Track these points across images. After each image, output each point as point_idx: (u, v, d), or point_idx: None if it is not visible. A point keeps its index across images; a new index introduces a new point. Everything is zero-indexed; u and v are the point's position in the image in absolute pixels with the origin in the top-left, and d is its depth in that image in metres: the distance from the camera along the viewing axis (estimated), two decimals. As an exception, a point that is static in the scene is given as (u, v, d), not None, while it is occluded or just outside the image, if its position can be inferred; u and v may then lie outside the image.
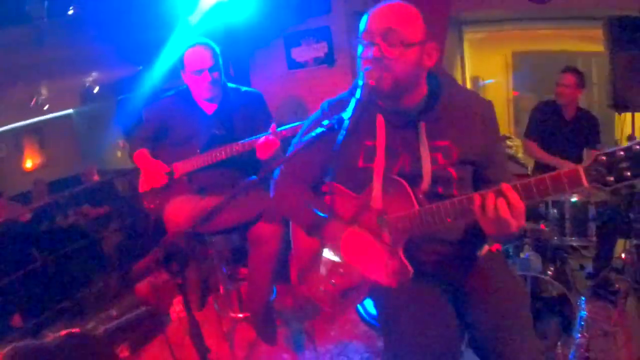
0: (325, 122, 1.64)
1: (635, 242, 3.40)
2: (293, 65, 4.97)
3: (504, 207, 1.50)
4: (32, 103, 8.05)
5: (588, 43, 6.46)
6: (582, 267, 3.97)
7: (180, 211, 2.84)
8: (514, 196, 1.49)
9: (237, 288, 3.46)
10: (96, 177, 6.89)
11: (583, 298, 3.00)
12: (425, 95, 1.84)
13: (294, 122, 2.85)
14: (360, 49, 1.76)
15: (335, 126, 1.63)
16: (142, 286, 3.97)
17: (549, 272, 3.09)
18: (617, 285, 3.44)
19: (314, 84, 4.90)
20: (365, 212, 1.84)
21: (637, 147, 1.29)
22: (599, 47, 4.02)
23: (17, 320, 4.58)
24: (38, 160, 9.32)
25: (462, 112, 1.83)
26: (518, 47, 7.06)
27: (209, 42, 2.99)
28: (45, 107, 8.41)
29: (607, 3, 4.36)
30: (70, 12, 4.95)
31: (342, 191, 1.95)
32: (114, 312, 3.84)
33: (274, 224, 2.81)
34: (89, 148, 9.54)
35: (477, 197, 1.55)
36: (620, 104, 3.77)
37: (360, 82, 1.68)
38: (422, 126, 1.79)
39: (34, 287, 4.83)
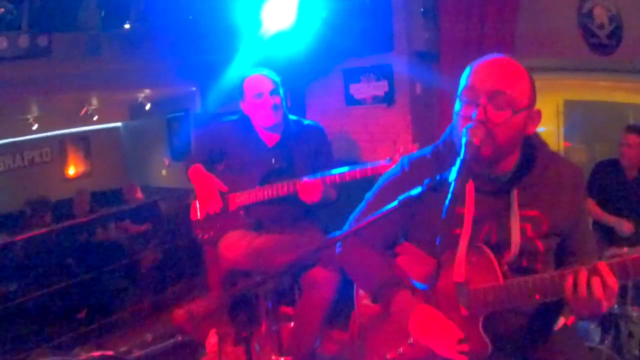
0: (426, 181, 1.50)
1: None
2: (351, 101, 4.88)
3: (598, 287, 1.40)
4: (82, 112, 8.13)
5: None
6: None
7: (235, 247, 2.75)
8: (609, 276, 1.39)
9: (279, 329, 3.34)
10: (140, 195, 6.87)
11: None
12: (518, 161, 1.70)
13: (345, 160, 2.77)
14: (458, 105, 1.62)
15: (437, 187, 1.49)
16: (180, 313, 3.88)
17: (606, 342, 2.99)
18: None
19: (370, 123, 4.80)
20: (444, 278, 1.71)
21: None
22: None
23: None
24: (81, 169, 9.41)
25: (553, 179, 1.70)
26: (571, 95, 6.88)
27: (268, 71, 2.93)
28: (95, 118, 8.51)
29: None
30: (127, 26, 5.00)
31: (420, 254, 1.81)
32: (149, 337, 3.75)
33: (331, 270, 2.70)
34: (134, 163, 9.62)
35: (570, 276, 1.45)
36: None
37: (464, 140, 1.52)
38: (515, 194, 1.66)
39: (69, 300, 4.80)
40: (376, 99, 4.74)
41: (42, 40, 4.21)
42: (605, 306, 1.41)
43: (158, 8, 5.01)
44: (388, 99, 4.66)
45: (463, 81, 1.63)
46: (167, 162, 8.78)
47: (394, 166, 1.93)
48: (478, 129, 1.52)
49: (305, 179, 2.67)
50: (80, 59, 5.11)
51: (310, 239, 2.71)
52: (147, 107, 8.10)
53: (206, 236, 2.93)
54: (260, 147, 2.97)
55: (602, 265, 1.40)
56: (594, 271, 1.41)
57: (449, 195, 1.45)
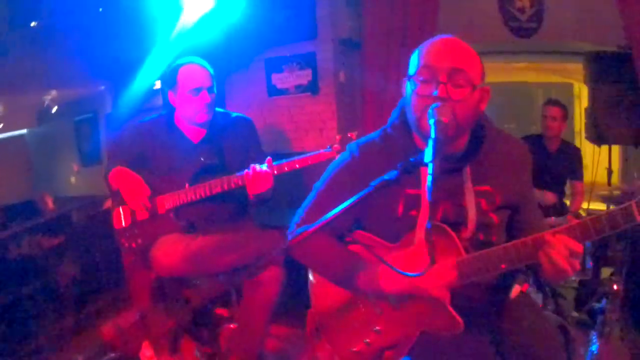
0: (400, 165, 1.49)
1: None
2: (273, 91, 4.72)
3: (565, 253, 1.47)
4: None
5: (567, 76, 6.59)
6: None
7: (171, 253, 2.54)
8: (572, 241, 1.47)
9: (218, 332, 3.15)
10: (52, 206, 6.36)
11: (595, 333, 2.98)
12: (469, 138, 1.72)
13: (272, 153, 2.65)
14: (412, 85, 1.62)
15: (411, 169, 1.48)
16: (107, 329, 3.62)
17: (548, 307, 3.13)
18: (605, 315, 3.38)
19: (295, 113, 4.67)
20: (405, 261, 1.64)
21: None
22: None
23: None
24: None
25: (501, 155, 1.76)
26: (495, 79, 7.07)
27: (204, 62, 2.74)
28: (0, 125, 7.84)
29: (586, 38, 4.39)
30: (33, 24, 4.64)
31: (375, 241, 1.77)
32: (79, 358, 3.45)
33: (276, 267, 2.55)
34: (42, 172, 8.97)
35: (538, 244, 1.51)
36: (600, 137, 3.88)
37: (432, 120, 1.48)
38: (467, 171, 1.70)
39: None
40: (300, 88, 4.61)
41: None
42: (573, 268, 1.48)
43: (67, 3, 4.66)
44: (312, 87, 4.54)
45: (415, 61, 1.64)
46: (76, 168, 8.25)
47: (341, 154, 1.89)
48: (444, 107, 1.52)
49: (255, 167, 2.49)
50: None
51: (252, 238, 2.56)
52: (54, 109, 7.54)
53: (134, 244, 2.69)
54: (185, 145, 2.78)
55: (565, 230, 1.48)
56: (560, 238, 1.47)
57: (429, 177, 1.38)
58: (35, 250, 5.37)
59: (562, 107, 4.33)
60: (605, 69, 3.84)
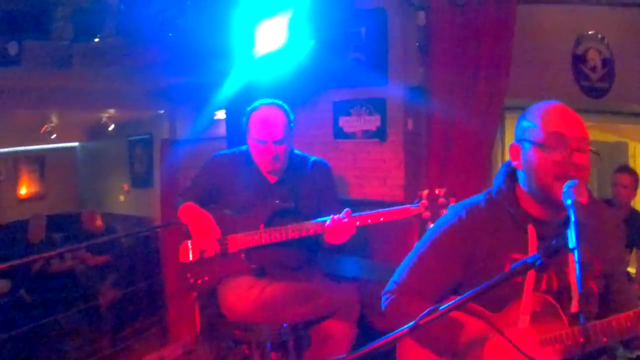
0: (544, 247, 1.38)
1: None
2: (340, 134, 4.61)
3: None
4: (43, 130, 7.53)
5: (621, 135, 6.44)
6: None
7: (244, 298, 2.42)
8: None
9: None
10: (100, 223, 6.32)
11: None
12: None
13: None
14: (538, 151, 1.62)
15: (554, 254, 1.37)
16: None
17: None
18: None
19: (360, 158, 4.54)
20: (507, 329, 1.59)
21: None
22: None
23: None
24: (35, 189, 8.75)
25: (598, 222, 1.73)
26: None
27: (282, 105, 2.65)
28: (53, 136, 7.92)
29: None
30: (97, 40, 4.66)
31: (474, 309, 1.68)
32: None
33: (349, 323, 2.42)
34: (91, 186, 9.04)
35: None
36: None
37: (568, 202, 1.44)
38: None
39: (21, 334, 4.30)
40: (367, 134, 4.50)
41: (12, 48, 3.80)
42: None
43: (135, 21, 4.67)
44: (380, 134, 4.43)
45: (535, 126, 1.64)
46: (126, 187, 8.28)
47: (445, 215, 1.86)
48: (581, 187, 1.49)
49: (335, 217, 2.39)
50: (46, 71, 4.68)
51: (328, 291, 2.44)
52: (111, 128, 7.60)
53: (199, 281, 2.57)
54: (262, 183, 2.69)
55: None
56: None
57: (577, 266, 1.27)
58: (79, 267, 5.33)
59: (634, 175, 4.24)
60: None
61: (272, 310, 2.40)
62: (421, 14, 4.28)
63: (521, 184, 1.72)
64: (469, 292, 1.38)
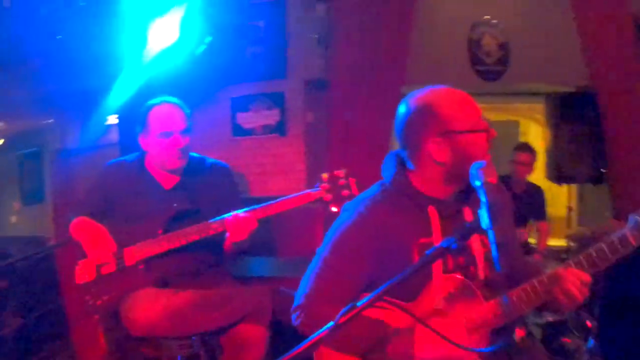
0: (457, 231, 1.39)
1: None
2: (239, 131, 4.51)
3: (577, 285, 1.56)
4: None
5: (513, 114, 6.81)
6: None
7: (150, 310, 2.27)
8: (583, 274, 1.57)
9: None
10: (-7, 247, 5.82)
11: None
12: None
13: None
14: (471, 136, 1.64)
15: (467, 236, 1.43)
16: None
17: None
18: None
19: (260, 154, 4.46)
20: (430, 319, 1.60)
21: None
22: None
23: None
24: None
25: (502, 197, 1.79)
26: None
27: (179, 102, 2.55)
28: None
29: (548, 80, 4.52)
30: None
31: (389, 302, 1.59)
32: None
33: (261, 327, 2.34)
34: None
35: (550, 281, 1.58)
36: (560, 176, 4.11)
37: (478, 183, 1.43)
38: (467, 212, 1.73)
39: None
40: (266, 129, 4.43)
41: None
42: (583, 297, 1.57)
43: (17, 28, 4.36)
44: (280, 128, 4.37)
45: (468, 110, 1.67)
46: (16, 207, 7.71)
47: (341, 214, 1.79)
48: (490, 167, 1.48)
49: (235, 213, 2.31)
50: None
51: (236, 296, 2.36)
52: (0, 142, 7.05)
53: (99, 302, 2.37)
54: (156, 191, 2.57)
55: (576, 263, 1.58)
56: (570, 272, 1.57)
57: (493, 247, 1.30)
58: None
59: (532, 152, 4.43)
60: (566, 109, 4.03)
61: (180, 320, 2.27)
62: (320, 6, 4.30)
63: (418, 172, 1.71)
64: (385, 284, 1.34)
